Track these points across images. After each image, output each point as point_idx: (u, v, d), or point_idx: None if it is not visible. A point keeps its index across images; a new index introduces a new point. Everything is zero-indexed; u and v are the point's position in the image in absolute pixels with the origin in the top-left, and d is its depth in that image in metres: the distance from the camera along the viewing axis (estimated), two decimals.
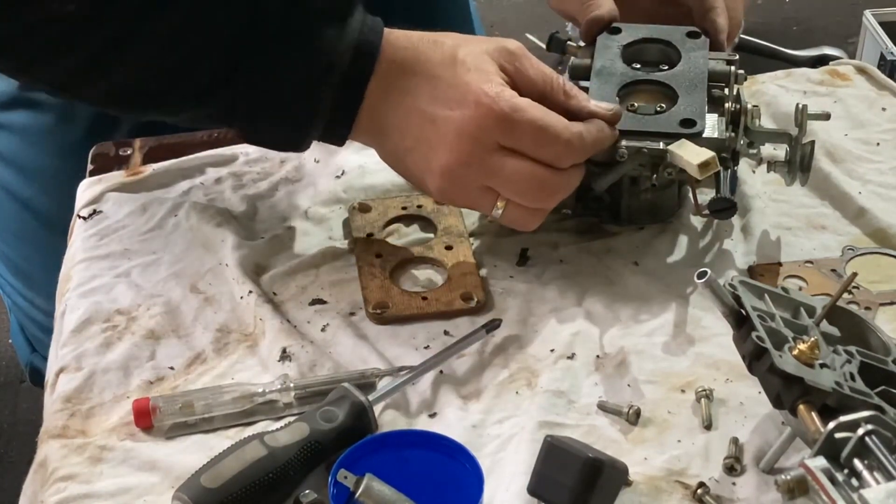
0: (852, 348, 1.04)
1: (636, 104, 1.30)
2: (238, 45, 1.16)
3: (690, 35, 1.38)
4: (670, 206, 1.35)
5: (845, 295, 1.17)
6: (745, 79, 1.41)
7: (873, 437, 0.90)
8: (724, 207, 1.28)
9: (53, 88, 1.26)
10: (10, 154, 1.81)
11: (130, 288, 1.27)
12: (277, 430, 1.06)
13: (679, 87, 1.29)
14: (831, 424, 0.91)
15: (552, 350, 1.19)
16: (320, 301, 1.26)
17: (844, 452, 0.90)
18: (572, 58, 1.42)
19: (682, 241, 1.32)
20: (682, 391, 1.14)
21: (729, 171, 1.28)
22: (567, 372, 1.16)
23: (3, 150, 1.82)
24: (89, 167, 1.48)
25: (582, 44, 1.43)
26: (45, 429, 1.13)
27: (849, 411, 0.93)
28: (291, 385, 1.13)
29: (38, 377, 1.98)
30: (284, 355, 1.18)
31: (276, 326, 1.20)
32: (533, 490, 1.00)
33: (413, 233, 1.35)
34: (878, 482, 0.87)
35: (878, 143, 1.48)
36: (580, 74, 1.38)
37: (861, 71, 1.61)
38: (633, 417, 1.11)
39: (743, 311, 1.02)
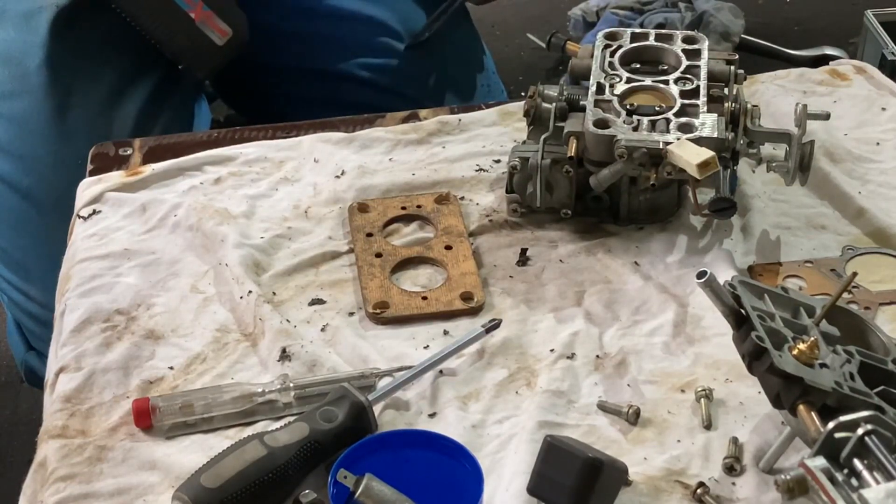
0: (852, 348, 1.04)
1: (636, 104, 1.31)
2: None
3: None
4: (670, 205, 1.35)
5: (845, 295, 1.17)
6: (745, 79, 1.41)
7: (873, 437, 0.90)
8: (724, 207, 1.28)
9: None
10: (9, 143, 1.82)
11: (130, 288, 1.27)
12: (277, 430, 1.06)
13: None
14: (831, 424, 0.91)
15: (552, 350, 1.19)
16: (320, 301, 1.26)
17: (844, 452, 0.90)
18: (572, 58, 1.43)
19: (682, 240, 1.32)
20: (682, 391, 1.14)
21: (728, 170, 1.29)
22: (567, 372, 1.16)
23: (1, 139, 1.82)
24: (89, 167, 1.48)
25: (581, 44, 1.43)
26: (44, 429, 1.13)
27: (848, 411, 0.93)
28: (291, 385, 1.13)
29: (32, 376, 1.98)
30: (284, 355, 1.18)
31: (276, 326, 1.20)
32: (533, 490, 1.00)
33: (413, 233, 1.35)
34: (877, 482, 0.87)
35: (877, 143, 1.48)
36: (580, 74, 1.39)
37: (861, 71, 1.61)
38: (633, 417, 1.11)
39: (743, 311, 1.02)
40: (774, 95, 1.54)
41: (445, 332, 1.22)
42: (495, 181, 1.42)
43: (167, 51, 1.89)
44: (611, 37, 1.41)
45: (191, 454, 1.08)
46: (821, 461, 0.89)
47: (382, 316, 1.23)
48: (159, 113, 1.92)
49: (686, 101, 1.30)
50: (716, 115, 1.28)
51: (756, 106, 1.35)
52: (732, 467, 1.06)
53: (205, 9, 1.86)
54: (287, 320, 1.22)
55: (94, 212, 1.39)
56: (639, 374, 1.16)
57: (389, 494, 0.94)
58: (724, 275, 1.14)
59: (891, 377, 1.03)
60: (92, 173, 1.46)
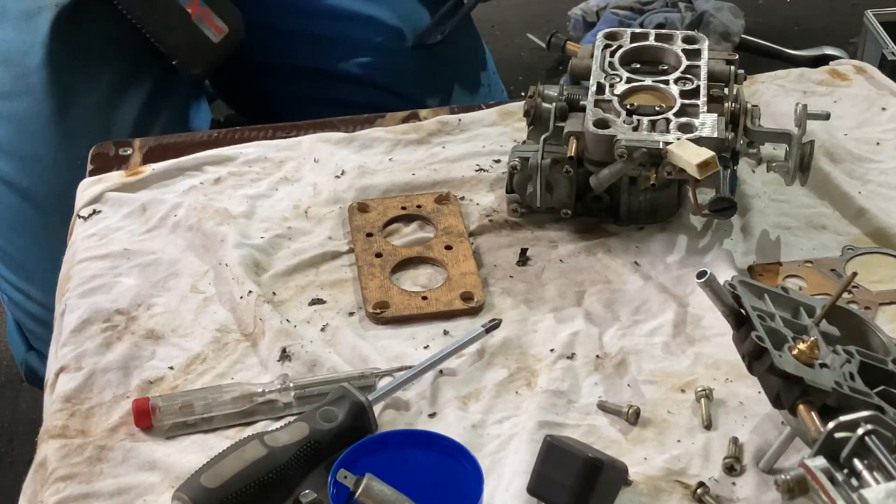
0: (852, 348, 1.04)
1: (636, 104, 1.31)
2: None
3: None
4: (669, 205, 1.35)
5: (845, 295, 1.17)
6: (745, 79, 1.41)
7: (873, 437, 0.90)
8: (724, 207, 1.28)
9: None
10: (9, 144, 1.82)
11: (130, 288, 1.27)
12: (277, 429, 1.06)
13: None
14: (831, 424, 0.91)
15: (552, 350, 1.19)
16: (320, 301, 1.26)
17: (844, 452, 0.90)
18: (572, 58, 1.42)
19: (682, 240, 1.32)
20: (682, 391, 1.14)
21: (728, 170, 1.29)
22: (567, 372, 1.16)
23: (1, 140, 1.83)
24: (89, 167, 1.48)
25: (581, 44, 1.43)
26: (44, 428, 1.13)
27: (849, 411, 0.93)
28: (291, 385, 1.13)
29: (33, 376, 1.99)
30: (284, 355, 1.18)
31: (276, 326, 1.20)
32: (533, 490, 1.00)
33: (413, 233, 1.35)
34: (877, 482, 0.87)
35: (877, 143, 1.48)
36: (580, 74, 1.39)
37: (861, 71, 1.61)
38: (633, 417, 1.11)
39: (743, 311, 1.02)
40: (774, 95, 1.54)
41: (445, 332, 1.22)
42: (495, 181, 1.42)
43: (163, 46, 1.89)
44: (611, 37, 1.41)
45: (191, 454, 1.08)
46: (821, 461, 0.89)
47: (382, 316, 1.23)
48: (159, 113, 1.93)
49: (686, 101, 1.30)
50: (716, 115, 1.28)
51: (756, 106, 1.35)
52: (732, 467, 1.06)
53: (202, 4, 1.86)
54: (287, 320, 1.22)
55: (94, 212, 1.39)
56: (639, 374, 1.16)
57: (389, 494, 0.94)
58: (724, 275, 1.14)
59: (891, 377, 1.03)
60: (92, 173, 1.46)
